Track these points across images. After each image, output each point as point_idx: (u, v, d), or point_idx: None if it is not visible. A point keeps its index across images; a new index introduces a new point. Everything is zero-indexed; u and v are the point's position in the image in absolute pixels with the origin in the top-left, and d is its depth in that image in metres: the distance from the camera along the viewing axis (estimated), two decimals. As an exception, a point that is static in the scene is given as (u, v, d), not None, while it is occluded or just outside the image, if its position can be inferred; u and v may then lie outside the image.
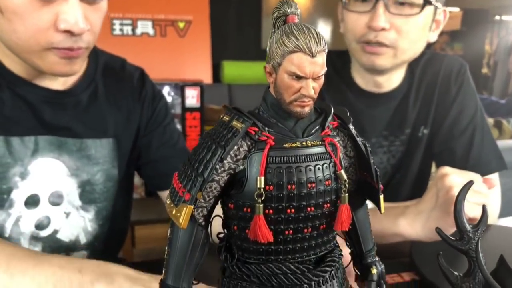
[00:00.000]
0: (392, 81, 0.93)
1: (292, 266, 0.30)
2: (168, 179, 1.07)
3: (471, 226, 0.40)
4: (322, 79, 0.29)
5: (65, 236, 0.87)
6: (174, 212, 0.29)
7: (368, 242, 0.36)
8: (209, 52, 2.57)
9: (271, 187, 0.28)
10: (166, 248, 0.30)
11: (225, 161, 0.29)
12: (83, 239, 0.90)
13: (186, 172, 0.30)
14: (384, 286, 0.36)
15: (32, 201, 0.82)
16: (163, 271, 0.30)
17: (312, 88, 0.28)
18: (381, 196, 0.33)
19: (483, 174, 0.81)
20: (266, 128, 0.29)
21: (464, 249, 0.39)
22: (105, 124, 0.88)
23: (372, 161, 0.33)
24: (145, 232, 1.90)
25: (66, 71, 0.74)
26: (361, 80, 0.95)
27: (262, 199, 0.28)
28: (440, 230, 0.40)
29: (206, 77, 2.50)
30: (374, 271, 0.35)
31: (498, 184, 0.92)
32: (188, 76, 2.33)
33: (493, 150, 0.93)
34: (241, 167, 0.29)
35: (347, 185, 0.30)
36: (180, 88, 2.00)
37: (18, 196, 0.80)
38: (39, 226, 0.83)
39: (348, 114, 0.33)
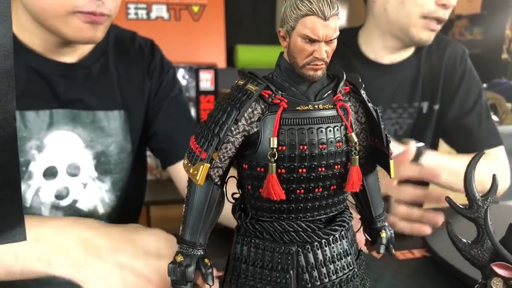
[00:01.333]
0: (402, 54, 0.98)
1: (303, 224, 0.31)
2: (175, 150, 1.08)
3: (480, 195, 0.40)
4: (335, 43, 0.30)
5: (84, 206, 0.90)
6: (191, 170, 0.31)
7: (378, 207, 0.37)
8: (223, 36, 2.57)
9: (284, 148, 0.30)
10: (184, 206, 0.32)
11: (239, 123, 0.30)
12: (101, 210, 0.93)
13: (203, 133, 0.31)
14: (393, 250, 0.37)
15: (50, 173, 0.85)
16: (181, 228, 0.32)
17: (324, 51, 0.29)
18: (391, 161, 0.34)
19: (488, 147, 0.96)
20: (280, 92, 0.31)
21: (473, 217, 0.40)
22: (116, 96, 0.90)
23: (383, 126, 0.34)
24: (160, 213, 1.94)
25: (90, 37, 0.75)
26: (369, 50, 0.98)
27: (275, 158, 0.29)
28: (449, 198, 0.41)
29: (220, 61, 2.49)
30: (384, 234, 0.36)
31: (507, 161, 1.00)
32: (202, 60, 2.34)
33: (494, 126, 1.03)
34: (255, 129, 0.31)
35: (357, 148, 0.31)
36: (194, 71, 2.02)
37: (36, 168, 0.83)
38: (59, 196, 0.86)
39: (360, 80, 0.33)
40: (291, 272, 0.31)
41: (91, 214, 0.92)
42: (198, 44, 2.44)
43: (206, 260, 0.31)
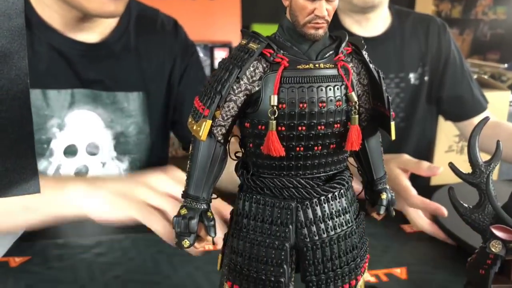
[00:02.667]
0: (378, 26, 1.04)
1: (302, 181, 0.32)
2: None
3: (484, 160, 0.40)
4: (336, 1, 0.30)
5: None
6: (195, 127, 0.32)
7: (379, 170, 0.38)
8: (239, 15, 2.56)
9: (284, 105, 0.30)
10: (188, 162, 0.33)
11: (241, 82, 0.31)
12: None
13: (206, 92, 0.32)
14: (393, 212, 0.38)
15: (70, 151, 0.88)
16: (185, 183, 0.33)
17: (325, 9, 0.29)
18: (392, 123, 0.34)
19: (481, 111, 1.06)
20: (281, 51, 0.31)
21: (476, 182, 0.40)
22: (136, 77, 0.91)
23: (384, 87, 0.34)
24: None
25: (112, 11, 0.76)
26: (349, 23, 1.03)
27: (275, 116, 0.30)
28: (453, 164, 0.41)
29: (236, 40, 2.49)
30: (384, 196, 0.37)
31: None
32: (217, 38, 2.33)
33: (481, 90, 1.11)
34: (257, 88, 0.31)
35: (357, 107, 0.32)
36: (209, 49, 2.02)
37: (57, 146, 0.86)
38: (78, 174, 0.89)
39: (362, 41, 0.34)
40: (290, 226, 0.32)
41: None
42: (213, 23, 2.44)
43: (209, 214, 0.33)
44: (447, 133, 1.32)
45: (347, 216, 0.34)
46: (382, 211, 0.37)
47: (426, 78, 1.08)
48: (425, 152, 1.19)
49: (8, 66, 0.31)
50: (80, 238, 0.73)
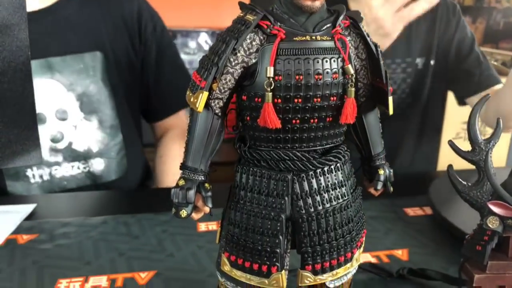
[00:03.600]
0: None
1: (298, 154, 0.33)
2: (161, 108, 1.13)
3: (483, 138, 0.40)
4: (333, -27, 0.30)
5: (79, 146, 0.96)
6: (192, 99, 0.32)
7: (377, 146, 0.38)
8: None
9: (280, 77, 0.31)
10: (186, 135, 0.34)
11: (238, 54, 0.31)
12: (95, 148, 0.98)
13: (203, 64, 0.32)
14: (391, 188, 0.38)
15: (39, 119, 0.90)
16: (184, 155, 0.34)
17: (322, -20, 0.29)
18: (390, 98, 0.34)
19: (492, 85, 1.03)
20: (278, 23, 0.31)
21: (475, 160, 0.40)
22: (88, 39, 0.94)
23: (382, 61, 0.34)
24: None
25: None
26: (353, 7, 1.00)
27: (271, 88, 0.30)
28: (452, 142, 0.41)
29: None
30: (382, 172, 0.37)
31: None
32: (225, 25, 2.32)
33: (492, 67, 1.09)
34: (254, 60, 0.32)
35: (353, 80, 0.32)
36: (216, 36, 2.01)
37: None
38: (54, 140, 0.92)
39: (361, 14, 0.34)
40: (286, 198, 0.32)
41: (87, 154, 0.98)
42: (221, 9, 2.43)
43: (206, 185, 0.33)
44: (454, 119, 1.31)
45: (343, 189, 0.34)
46: (379, 186, 0.37)
47: (432, 62, 1.07)
48: (432, 139, 1.19)
49: (9, 38, 0.32)
50: (86, 217, 0.74)
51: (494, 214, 0.37)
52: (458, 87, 1.11)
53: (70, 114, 0.94)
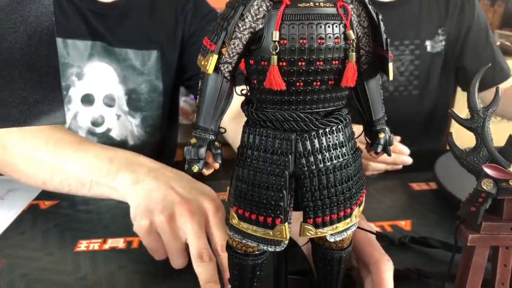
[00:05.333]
0: None
1: (302, 115, 0.35)
2: None
3: (482, 106, 0.42)
4: None
5: (116, 135, 0.98)
6: (203, 62, 0.34)
7: (378, 111, 0.40)
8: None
9: (285, 41, 0.33)
10: (197, 97, 0.36)
11: (246, 20, 0.33)
12: (131, 141, 1.01)
13: (214, 30, 0.34)
14: (390, 152, 0.40)
15: (87, 100, 0.93)
16: (195, 116, 0.36)
17: None
18: (390, 64, 0.36)
19: (503, 80, 1.05)
20: None
21: (473, 127, 0.42)
22: (149, 37, 0.95)
23: (383, 29, 0.36)
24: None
25: None
26: None
27: (277, 51, 0.33)
28: (452, 111, 0.43)
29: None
30: (382, 135, 0.39)
31: None
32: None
33: (505, 60, 1.09)
34: (260, 26, 0.34)
35: (354, 45, 0.34)
36: (226, 3, 2.02)
37: (75, 94, 0.91)
38: (95, 123, 0.94)
39: None
40: (290, 156, 0.35)
41: (122, 144, 1.00)
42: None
43: (216, 143, 0.36)
44: (465, 104, 1.31)
45: (344, 149, 0.36)
46: (379, 149, 0.39)
47: (443, 45, 1.07)
48: (441, 123, 1.19)
49: (35, 5, 0.34)
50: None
51: (489, 176, 0.39)
52: (466, 80, 1.10)
53: (116, 103, 0.95)
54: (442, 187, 0.72)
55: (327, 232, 0.36)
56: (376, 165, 0.84)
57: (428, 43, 1.06)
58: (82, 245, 0.61)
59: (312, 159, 0.35)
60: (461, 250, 0.45)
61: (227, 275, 0.45)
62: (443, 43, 1.07)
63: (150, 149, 1.03)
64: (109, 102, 0.94)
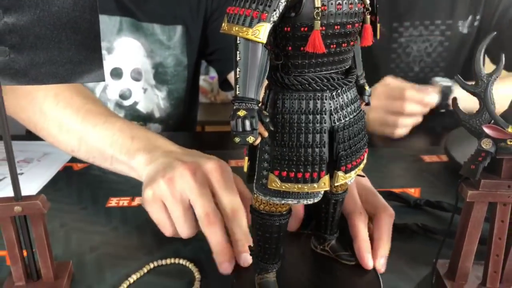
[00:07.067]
0: None
1: (333, 75, 0.39)
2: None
3: (486, 72, 0.45)
4: None
5: (143, 108, 1.03)
6: (250, 32, 0.35)
7: (360, 67, 0.45)
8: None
9: (325, 7, 0.36)
10: (237, 69, 0.36)
11: None
12: (157, 114, 1.06)
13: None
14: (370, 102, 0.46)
15: (116, 73, 0.97)
16: (237, 88, 0.36)
17: None
18: (378, 25, 0.41)
19: None
20: None
21: (477, 92, 0.45)
22: (174, 12, 0.99)
23: None
24: (213, 130, 2.09)
25: None
26: None
27: (319, 17, 0.35)
28: (458, 76, 0.46)
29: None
30: (367, 87, 0.45)
31: None
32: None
33: None
34: None
35: (369, 8, 0.38)
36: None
37: (105, 67, 0.96)
38: (122, 96, 0.99)
39: None
40: (325, 114, 0.39)
41: (149, 117, 1.05)
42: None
43: (265, 112, 0.38)
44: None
45: (356, 104, 0.42)
46: (368, 99, 0.45)
47: (476, 26, 1.03)
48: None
49: (79, -27, 0.39)
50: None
51: (488, 136, 0.42)
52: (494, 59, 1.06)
53: (143, 77, 0.99)
54: (452, 158, 0.75)
55: (351, 176, 0.42)
56: (406, 120, 0.88)
57: (460, 23, 1.03)
58: (113, 202, 0.67)
59: (340, 114, 0.40)
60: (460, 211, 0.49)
61: (240, 241, 0.48)
62: (476, 23, 1.04)
63: (174, 121, 1.08)
64: (136, 76, 0.99)
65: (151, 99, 1.02)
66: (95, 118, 0.69)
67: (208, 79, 2.44)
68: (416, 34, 1.04)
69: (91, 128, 0.68)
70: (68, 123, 0.70)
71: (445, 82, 0.93)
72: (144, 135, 0.65)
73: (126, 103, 1.00)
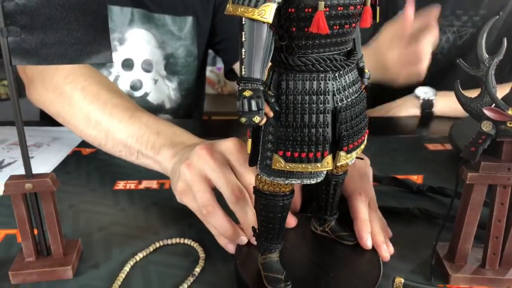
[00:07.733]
0: None
1: (336, 55, 0.40)
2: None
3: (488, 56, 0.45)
4: None
5: (153, 99, 1.04)
6: (256, 12, 0.35)
7: (360, 50, 0.45)
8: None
9: None
10: (242, 49, 0.36)
11: None
12: (167, 105, 1.07)
13: None
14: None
15: (127, 64, 0.98)
16: (242, 68, 0.36)
17: None
18: (378, 8, 0.41)
19: None
20: None
21: (478, 75, 0.45)
22: (185, 3, 0.99)
23: None
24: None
25: None
26: None
27: None
28: (460, 60, 0.47)
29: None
30: (367, 70, 0.45)
31: None
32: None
33: None
34: None
35: None
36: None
37: (117, 58, 0.97)
38: (133, 87, 1.00)
39: None
40: (328, 94, 0.39)
41: (159, 108, 1.06)
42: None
43: (270, 92, 0.39)
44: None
45: (357, 85, 0.42)
46: (367, 82, 0.45)
47: (502, 13, 0.99)
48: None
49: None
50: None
51: (489, 119, 0.43)
52: None
53: (154, 68, 1.00)
54: (456, 147, 0.75)
55: (352, 157, 0.42)
56: (426, 47, 0.87)
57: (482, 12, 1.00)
58: (120, 185, 0.69)
59: (343, 95, 0.41)
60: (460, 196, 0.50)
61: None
62: (507, 12, 0.99)
63: (184, 110, 1.09)
64: (147, 67, 1.00)
65: (162, 90, 1.03)
66: (122, 113, 0.68)
67: (215, 70, 2.45)
68: (447, 24, 1.02)
69: (117, 123, 0.68)
70: (94, 118, 0.69)
71: (426, 94, 0.98)
72: (169, 130, 0.66)
73: (137, 94, 1.02)
